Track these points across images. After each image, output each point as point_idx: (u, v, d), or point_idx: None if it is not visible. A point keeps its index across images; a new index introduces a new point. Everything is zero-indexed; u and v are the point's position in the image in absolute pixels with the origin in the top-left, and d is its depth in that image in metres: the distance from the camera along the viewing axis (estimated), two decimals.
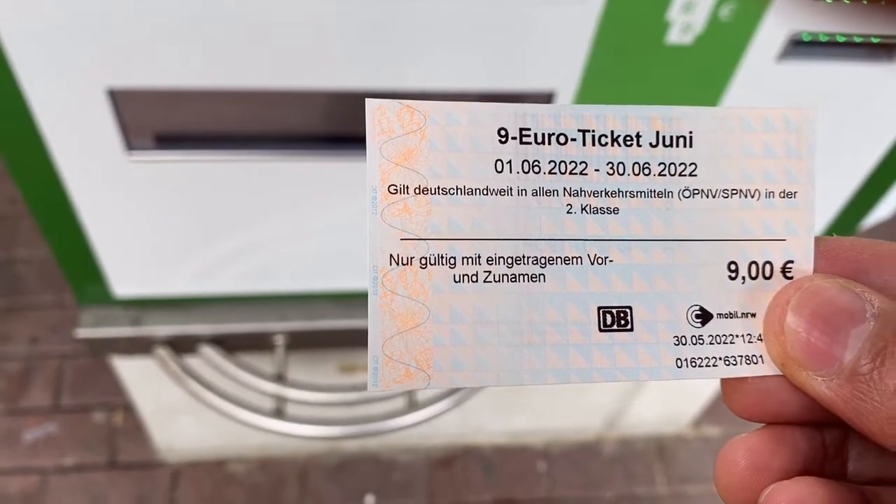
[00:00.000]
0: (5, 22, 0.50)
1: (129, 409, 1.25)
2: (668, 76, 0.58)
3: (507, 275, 0.23)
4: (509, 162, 0.23)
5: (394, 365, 0.22)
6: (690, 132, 0.24)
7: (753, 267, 0.24)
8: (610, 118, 0.23)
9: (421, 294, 0.22)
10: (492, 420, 1.28)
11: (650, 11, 0.53)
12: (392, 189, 0.22)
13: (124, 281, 0.75)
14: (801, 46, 0.58)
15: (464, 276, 0.23)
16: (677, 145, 0.24)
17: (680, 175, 0.24)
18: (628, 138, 0.23)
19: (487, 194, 0.23)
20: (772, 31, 0.56)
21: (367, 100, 0.22)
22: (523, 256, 0.23)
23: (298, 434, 0.80)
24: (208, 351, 0.82)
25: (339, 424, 0.80)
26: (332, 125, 0.64)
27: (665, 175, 0.24)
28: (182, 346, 0.82)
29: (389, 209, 0.22)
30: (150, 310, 0.80)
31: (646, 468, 1.34)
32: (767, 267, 0.24)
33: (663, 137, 0.24)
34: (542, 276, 0.23)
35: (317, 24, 0.52)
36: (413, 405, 0.82)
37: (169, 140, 0.62)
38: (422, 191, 0.23)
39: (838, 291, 0.22)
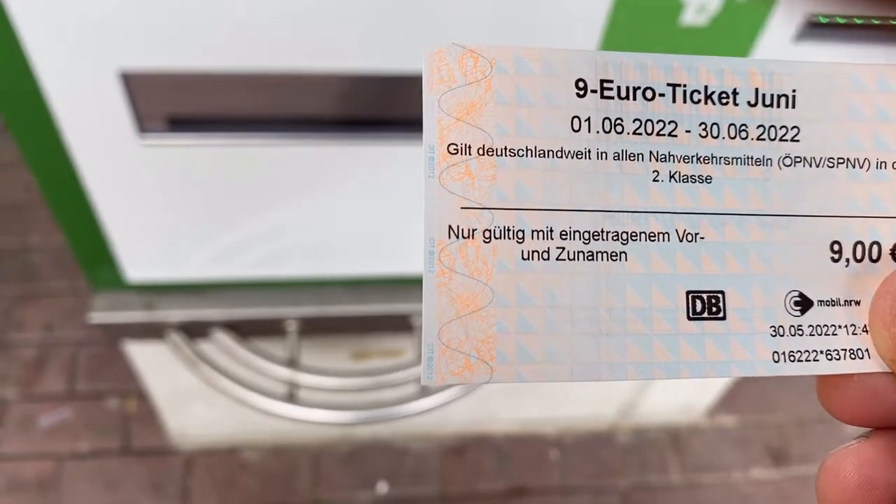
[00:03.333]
0: (18, 4, 0.50)
1: (142, 395, 1.26)
2: None
3: (582, 252, 0.20)
4: (588, 119, 0.20)
5: (451, 354, 0.19)
6: (794, 91, 0.21)
7: (859, 248, 0.21)
8: (704, 71, 0.21)
9: (483, 273, 0.20)
10: (505, 408, 1.28)
11: None
12: (452, 149, 0.20)
13: (137, 265, 0.75)
14: (817, 28, 0.57)
15: (533, 252, 0.20)
16: (779, 105, 0.21)
17: (781, 140, 0.21)
18: (724, 95, 0.21)
19: (562, 157, 0.20)
20: (788, 13, 0.55)
21: (423, 46, 0.20)
22: (602, 231, 0.20)
23: (310, 419, 0.80)
24: (221, 336, 0.82)
25: (352, 410, 0.80)
26: (346, 108, 0.63)
27: (764, 139, 0.21)
28: (195, 331, 0.82)
29: (449, 172, 0.20)
30: (163, 295, 0.80)
31: (659, 457, 1.33)
32: (875, 248, 0.21)
33: (763, 96, 0.21)
34: (623, 255, 0.20)
35: (330, 6, 0.52)
36: (426, 391, 0.82)
37: (181, 123, 0.62)
38: (486, 151, 0.20)
39: None
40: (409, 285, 0.81)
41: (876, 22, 0.58)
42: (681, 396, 1.31)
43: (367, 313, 0.82)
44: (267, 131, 0.63)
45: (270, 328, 0.83)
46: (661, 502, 1.29)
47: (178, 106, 0.61)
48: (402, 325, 0.84)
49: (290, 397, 0.81)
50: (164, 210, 0.69)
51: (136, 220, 0.70)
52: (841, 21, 0.59)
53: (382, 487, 1.26)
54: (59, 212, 0.68)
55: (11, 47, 0.52)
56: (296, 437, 1.28)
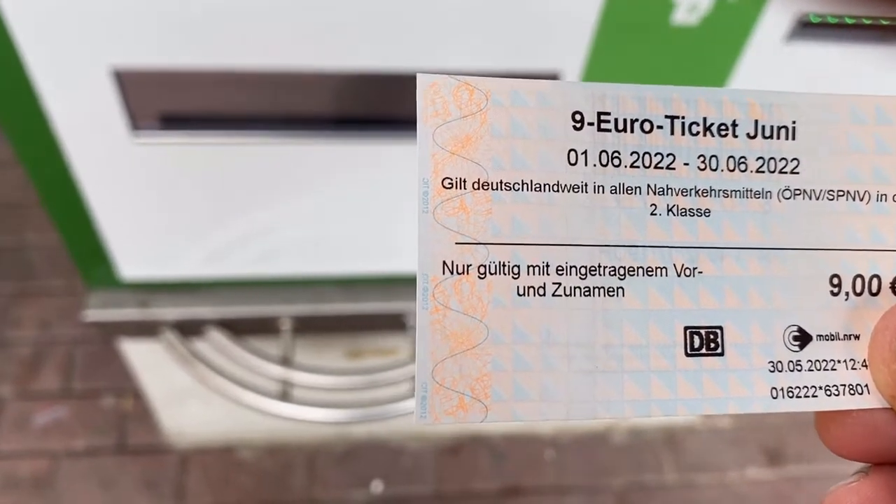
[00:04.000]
0: (10, 1, 0.50)
1: (138, 393, 1.26)
2: (674, 57, 0.57)
3: (579, 287, 0.20)
4: (584, 152, 0.20)
5: (445, 393, 0.19)
6: (794, 122, 0.21)
7: (859, 281, 0.21)
8: (703, 103, 0.20)
9: (478, 309, 0.19)
10: None
11: None
12: (447, 183, 0.19)
13: (132, 264, 0.75)
14: (809, 28, 0.57)
15: (529, 288, 0.20)
16: (778, 137, 0.21)
17: (780, 172, 0.21)
18: (723, 127, 0.20)
19: (558, 191, 0.20)
20: (779, 12, 0.55)
21: (418, 75, 0.19)
22: (599, 266, 0.20)
23: (305, 418, 0.80)
24: (215, 334, 0.82)
25: (346, 408, 0.81)
26: (340, 107, 0.63)
27: (764, 172, 0.21)
28: (189, 329, 0.82)
29: (443, 207, 0.19)
30: (157, 293, 0.80)
31: (655, 457, 1.33)
32: (875, 281, 0.21)
33: (763, 127, 0.20)
34: (620, 290, 0.20)
35: (323, 3, 0.52)
36: None
37: (174, 121, 0.62)
38: (482, 185, 0.19)
39: None
40: (403, 284, 0.81)
41: (867, 22, 0.58)
42: None
43: (361, 312, 0.82)
44: (260, 129, 0.63)
45: (264, 326, 0.83)
46: (657, 502, 1.29)
47: (171, 104, 0.61)
48: (396, 323, 0.84)
49: (285, 396, 0.81)
50: (158, 208, 0.69)
51: (131, 218, 0.70)
52: (832, 21, 0.59)
53: (377, 486, 1.26)
54: (54, 210, 0.68)
55: (4, 45, 0.52)
56: (291, 435, 1.28)
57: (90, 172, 0.63)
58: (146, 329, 0.82)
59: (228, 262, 0.76)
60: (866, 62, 0.60)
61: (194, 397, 1.09)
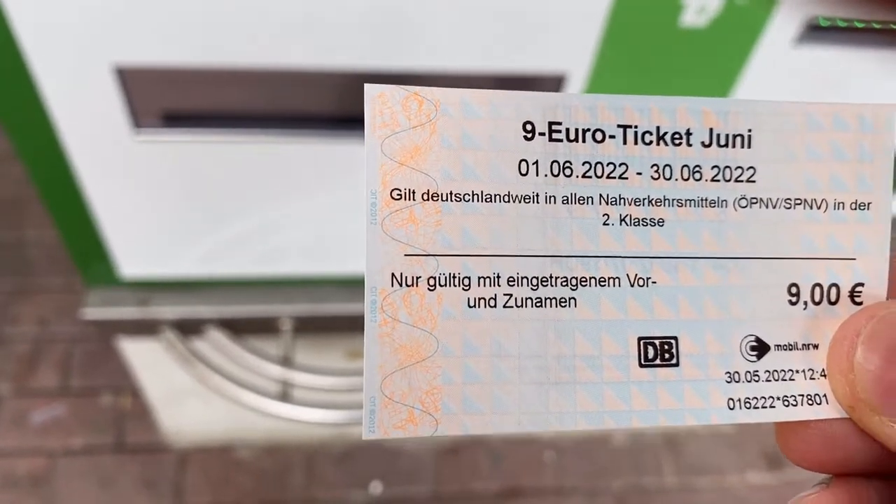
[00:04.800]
0: None
1: (137, 392, 1.25)
2: (682, 59, 0.57)
3: (531, 298, 0.20)
4: (536, 163, 0.20)
5: (394, 407, 0.19)
6: (749, 130, 0.20)
7: (817, 290, 0.21)
8: (656, 112, 0.20)
9: (428, 321, 0.19)
10: None
11: None
12: (395, 194, 0.19)
13: (131, 262, 0.75)
14: (818, 31, 0.57)
15: (480, 299, 0.19)
16: (734, 146, 0.20)
17: (736, 181, 0.20)
18: (677, 136, 0.20)
19: (509, 201, 0.20)
20: (788, 15, 0.55)
21: (366, 85, 0.19)
22: (550, 276, 0.20)
23: (304, 419, 0.79)
24: (215, 334, 0.82)
25: (345, 409, 0.80)
26: (342, 106, 0.63)
27: (719, 181, 0.20)
28: (189, 328, 0.82)
29: (392, 218, 0.19)
30: (157, 291, 0.79)
31: (654, 459, 1.33)
32: (833, 290, 0.21)
33: (717, 136, 0.20)
34: (572, 301, 0.20)
35: (325, 3, 0.52)
36: None
37: (176, 119, 0.61)
38: (431, 196, 0.19)
39: None
40: None
41: (877, 26, 0.58)
42: None
43: (362, 312, 0.81)
44: (262, 128, 0.62)
45: (264, 326, 0.83)
46: None
47: (173, 101, 0.61)
48: None
49: (284, 396, 0.80)
50: (159, 206, 0.69)
51: (131, 216, 0.69)
52: (842, 24, 0.58)
53: (376, 487, 1.26)
54: (53, 207, 0.67)
55: (6, 42, 0.52)
56: (290, 435, 1.28)
57: (91, 169, 0.63)
58: (145, 328, 0.81)
59: (229, 262, 0.76)
60: (875, 66, 0.60)
61: (193, 396, 1.08)
